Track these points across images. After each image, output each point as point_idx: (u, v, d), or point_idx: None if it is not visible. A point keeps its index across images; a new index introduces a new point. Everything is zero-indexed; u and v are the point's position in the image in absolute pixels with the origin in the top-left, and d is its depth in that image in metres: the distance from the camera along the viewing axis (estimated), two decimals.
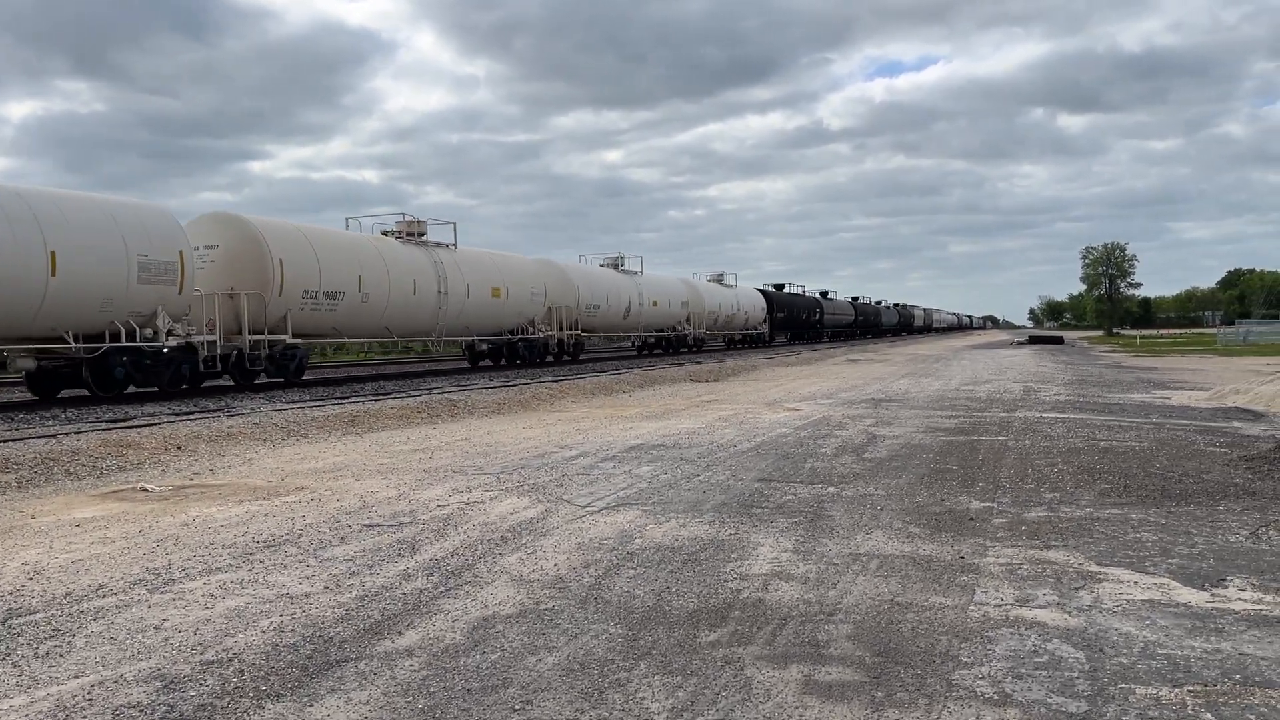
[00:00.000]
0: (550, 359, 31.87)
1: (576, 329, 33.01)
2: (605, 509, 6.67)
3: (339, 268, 21.72)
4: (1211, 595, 4.46)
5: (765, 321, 55.34)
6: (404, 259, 24.15)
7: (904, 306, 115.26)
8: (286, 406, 14.66)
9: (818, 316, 66.96)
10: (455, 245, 27.04)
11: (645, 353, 42.78)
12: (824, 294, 73.94)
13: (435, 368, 29.87)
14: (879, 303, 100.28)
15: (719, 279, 51.86)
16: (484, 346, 29.19)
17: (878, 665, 3.62)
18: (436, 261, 25.27)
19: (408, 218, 26.05)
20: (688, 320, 43.99)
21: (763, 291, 58.06)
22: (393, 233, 25.76)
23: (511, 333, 29.33)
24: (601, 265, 39.11)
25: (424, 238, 26.03)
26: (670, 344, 43.96)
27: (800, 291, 73.54)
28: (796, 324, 63.35)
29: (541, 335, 30.48)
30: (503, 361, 29.87)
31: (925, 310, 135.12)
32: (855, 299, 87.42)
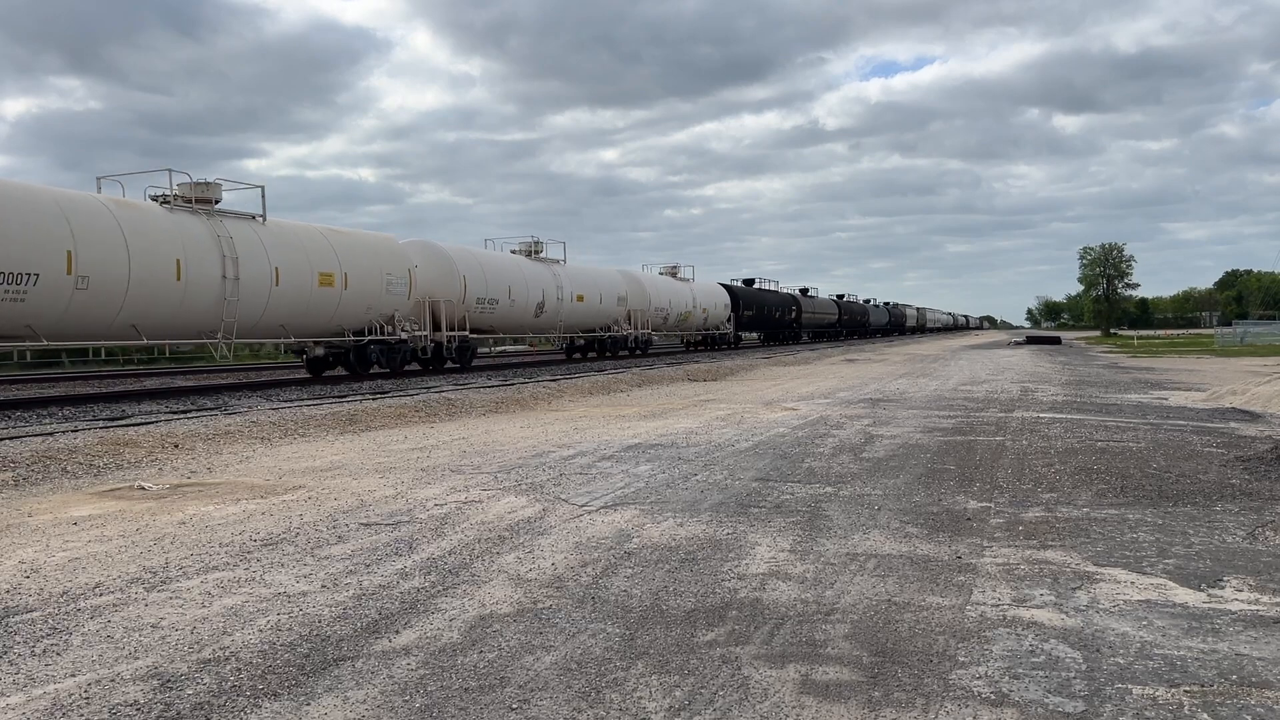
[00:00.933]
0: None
1: (463, 328, 25.98)
2: (603, 508, 6.67)
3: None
4: (1208, 596, 4.47)
5: (730, 320, 49.13)
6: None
7: (895, 305, 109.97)
8: (284, 405, 14.65)
9: (794, 315, 61.16)
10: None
11: (577, 357, 36.30)
12: (804, 291, 67.63)
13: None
14: (868, 301, 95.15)
15: (673, 271, 45.33)
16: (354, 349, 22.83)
17: (875, 665, 3.62)
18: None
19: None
20: (627, 319, 37.17)
21: (727, 287, 51.33)
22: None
23: (361, 334, 22.48)
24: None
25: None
26: (605, 346, 37.21)
27: (772, 287, 66.81)
28: (769, 323, 57.95)
29: (405, 335, 23.51)
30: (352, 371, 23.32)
31: (918, 310, 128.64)
32: (840, 296, 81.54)
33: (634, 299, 37.64)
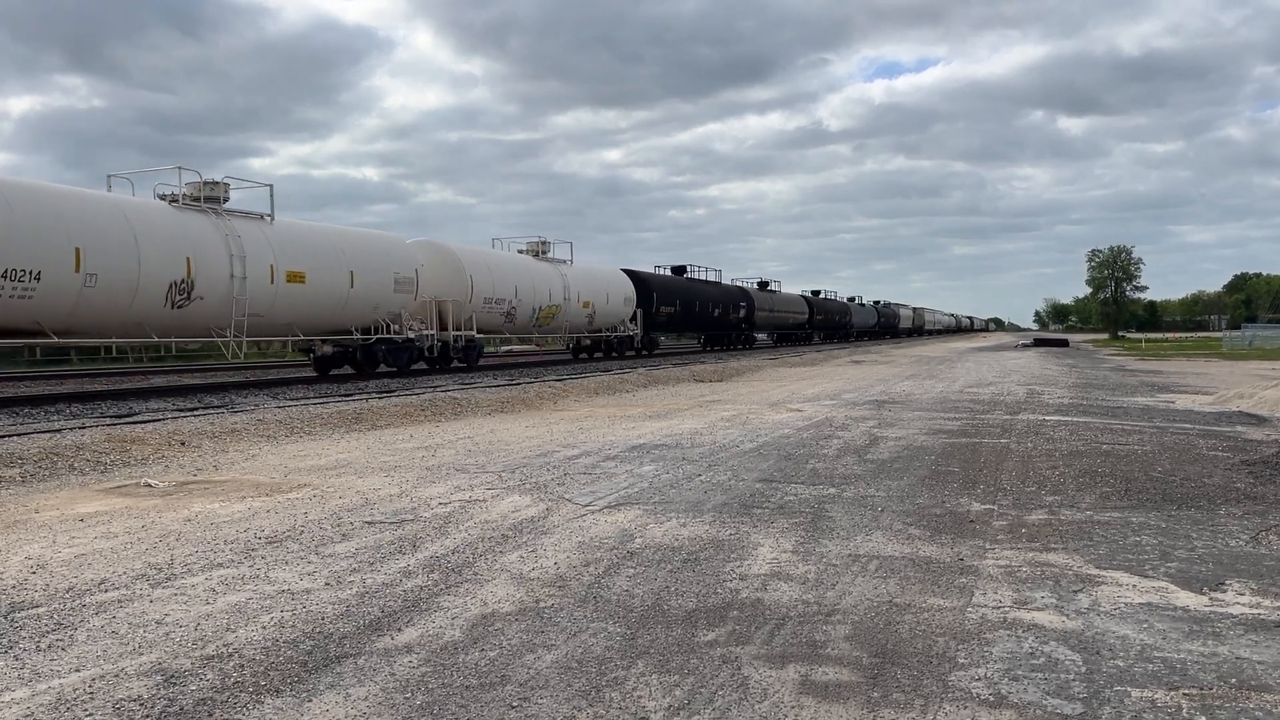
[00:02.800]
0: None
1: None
2: (606, 508, 6.68)
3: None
4: (1210, 599, 4.47)
5: (635, 319, 37.29)
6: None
7: (886, 305, 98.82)
8: (290, 403, 14.70)
9: (742, 314, 49.95)
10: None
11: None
12: (762, 284, 58.07)
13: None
14: (852, 299, 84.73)
15: (540, 249, 31.82)
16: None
17: (875, 666, 3.63)
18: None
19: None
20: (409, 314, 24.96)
21: (633, 274, 38.91)
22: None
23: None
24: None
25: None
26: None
27: (710, 278, 51.47)
28: (703, 323, 46.63)
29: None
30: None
31: (915, 310, 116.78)
32: (816, 293, 71.39)
33: (432, 283, 24.89)
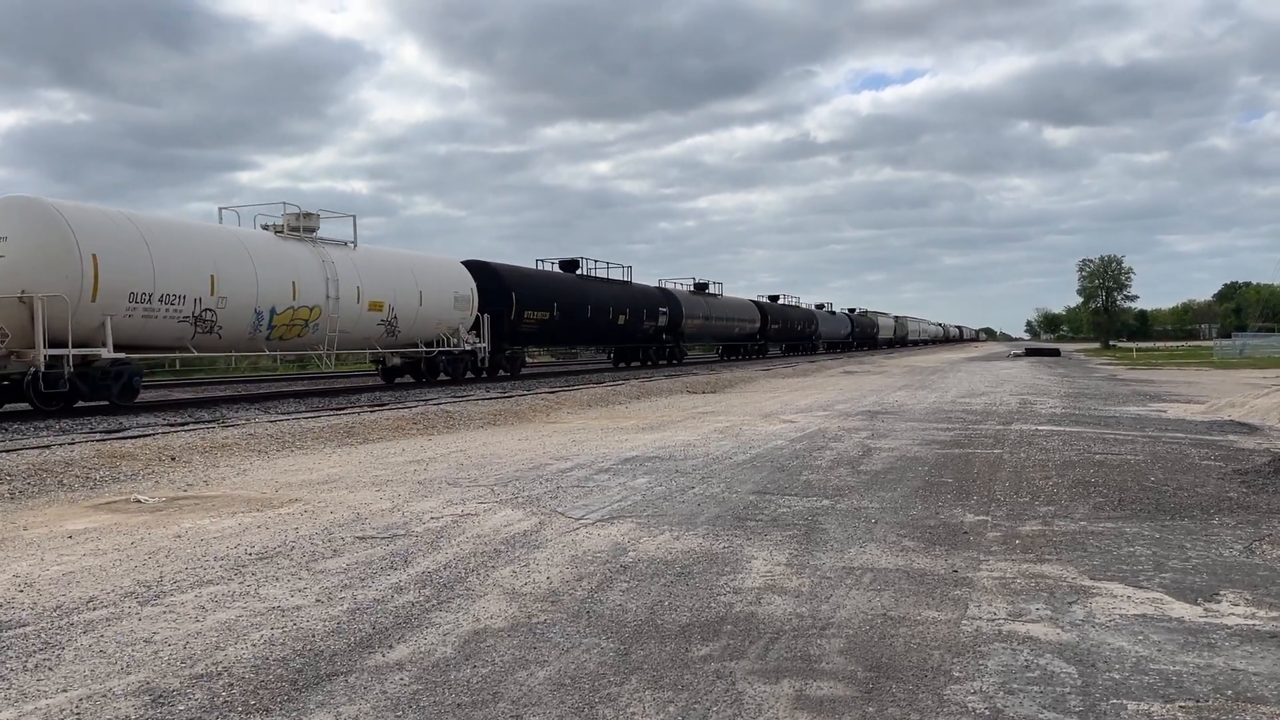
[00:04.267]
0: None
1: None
2: (599, 521, 6.65)
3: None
4: (1205, 610, 4.46)
5: (475, 328, 27.09)
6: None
7: (864, 314, 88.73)
8: (282, 417, 14.64)
9: (661, 322, 39.28)
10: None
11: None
12: (699, 286, 47.82)
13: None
14: (821, 306, 73.69)
15: (302, 225, 21.53)
16: None
17: (870, 680, 3.61)
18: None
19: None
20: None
21: (480, 266, 28.53)
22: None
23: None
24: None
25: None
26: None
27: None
28: (598, 333, 35.22)
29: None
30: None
31: (897, 319, 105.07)
32: (774, 298, 62.15)
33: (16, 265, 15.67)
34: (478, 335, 27.16)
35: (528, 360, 35.67)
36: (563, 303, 31.85)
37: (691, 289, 46.69)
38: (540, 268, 34.40)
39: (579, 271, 36.07)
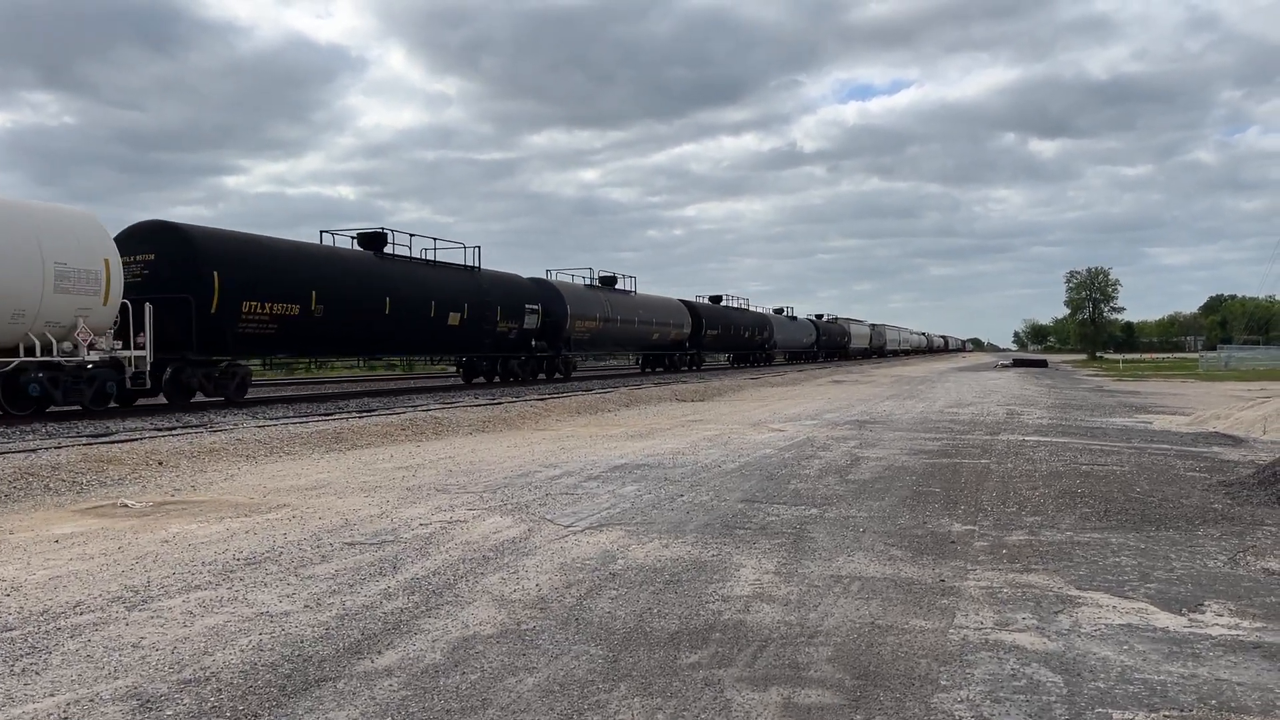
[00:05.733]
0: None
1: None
2: (588, 529, 6.66)
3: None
4: (1189, 620, 4.49)
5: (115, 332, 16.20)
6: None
7: (833, 320, 79.16)
8: (270, 423, 14.59)
9: (532, 323, 29.17)
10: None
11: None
12: (606, 281, 37.06)
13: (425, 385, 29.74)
14: (780, 310, 64.29)
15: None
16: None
17: (857, 688, 3.62)
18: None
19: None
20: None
21: (164, 228, 18.27)
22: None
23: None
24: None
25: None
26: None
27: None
28: (413, 337, 24.62)
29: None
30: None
31: (873, 327, 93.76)
32: (715, 299, 51.30)
33: None
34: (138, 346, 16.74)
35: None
36: (330, 291, 20.33)
37: (589, 283, 35.93)
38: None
39: (388, 250, 23.56)
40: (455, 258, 27.09)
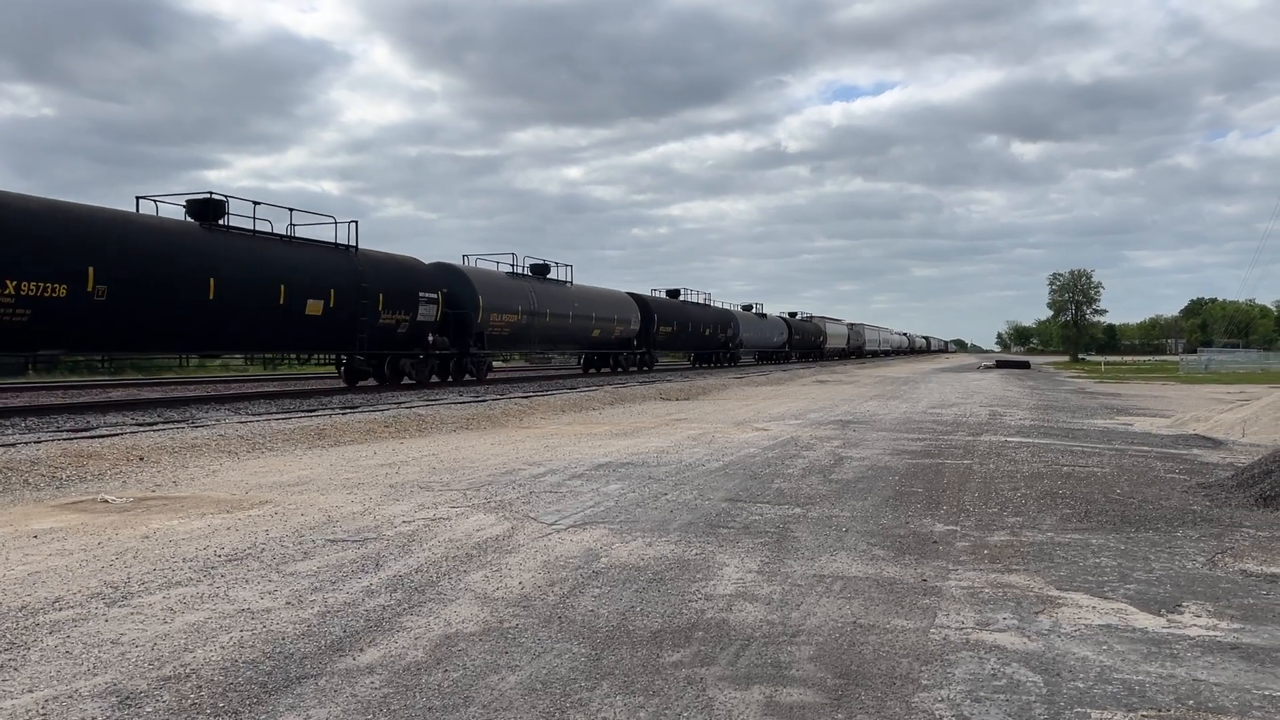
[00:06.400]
0: None
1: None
2: (572, 527, 6.66)
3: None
4: (1168, 621, 4.53)
5: None
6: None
7: (808, 318, 74.31)
8: (253, 419, 14.52)
9: (427, 314, 23.90)
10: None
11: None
12: (538, 269, 32.51)
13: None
14: (749, 307, 58.96)
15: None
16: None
17: (839, 687, 3.64)
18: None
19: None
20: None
21: None
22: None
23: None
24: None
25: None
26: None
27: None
28: (251, 329, 19.01)
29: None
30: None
31: (851, 326, 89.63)
32: (673, 293, 46.54)
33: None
34: None
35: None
36: (120, 268, 15.91)
37: (515, 271, 30.98)
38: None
39: (223, 222, 18.93)
40: (329, 234, 21.79)
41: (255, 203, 19.78)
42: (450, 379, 26.02)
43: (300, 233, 21.10)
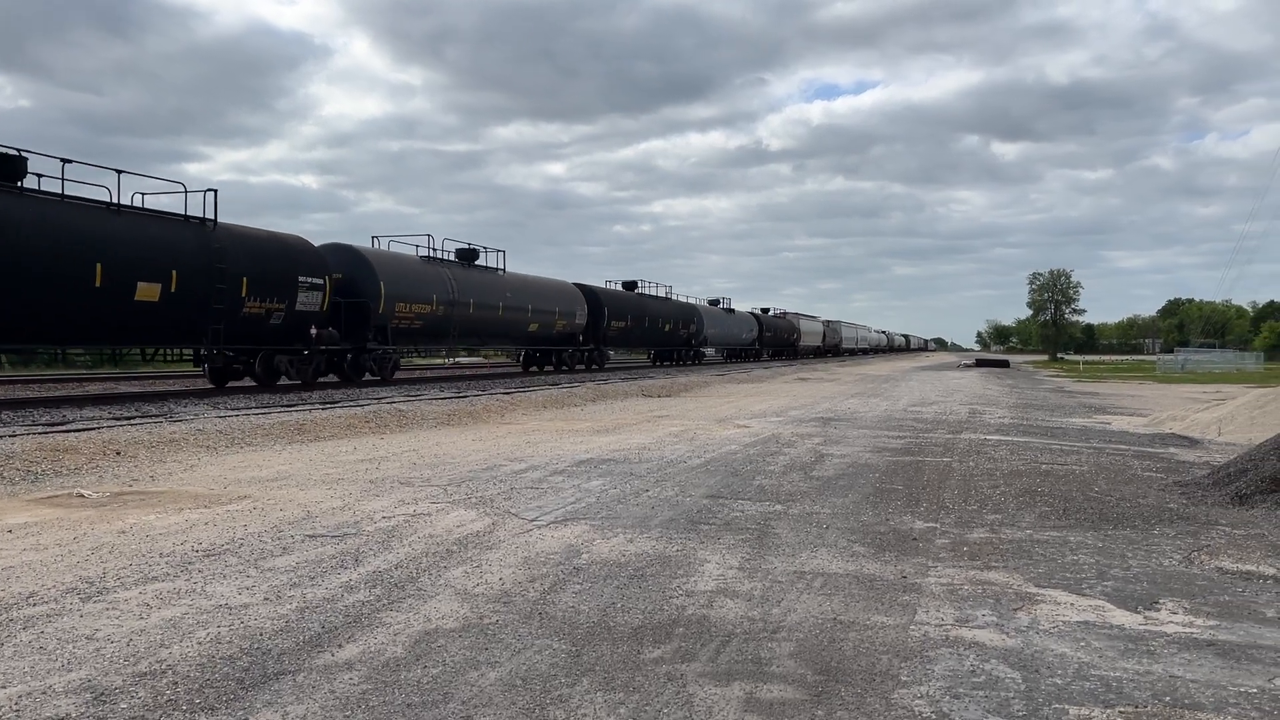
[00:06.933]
0: None
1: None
2: (553, 523, 6.65)
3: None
4: (1144, 618, 4.56)
5: None
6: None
7: (779, 315, 70.04)
8: (231, 413, 14.42)
9: (312, 301, 20.17)
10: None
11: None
12: (465, 255, 28.64)
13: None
14: (715, 301, 55.84)
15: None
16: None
17: (819, 684, 3.64)
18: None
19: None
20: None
21: None
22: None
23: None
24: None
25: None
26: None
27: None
28: (54, 317, 15.26)
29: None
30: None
31: (827, 324, 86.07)
32: (629, 284, 42.84)
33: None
34: None
35: None
36: None
37: (433, 255, 26.78)
38: None
39: (22, 183, 15.22)
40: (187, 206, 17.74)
41: (64, 160, 15.88)
42: (347, 379, 22.40)
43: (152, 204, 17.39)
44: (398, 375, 25.12)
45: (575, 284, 36.00)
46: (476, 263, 28.93)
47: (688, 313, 47.44)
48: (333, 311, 21.27)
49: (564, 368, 34.62)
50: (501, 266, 30.43)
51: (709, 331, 50.19)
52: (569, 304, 33.79)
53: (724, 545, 6.02)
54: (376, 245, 25.54)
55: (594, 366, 36.53)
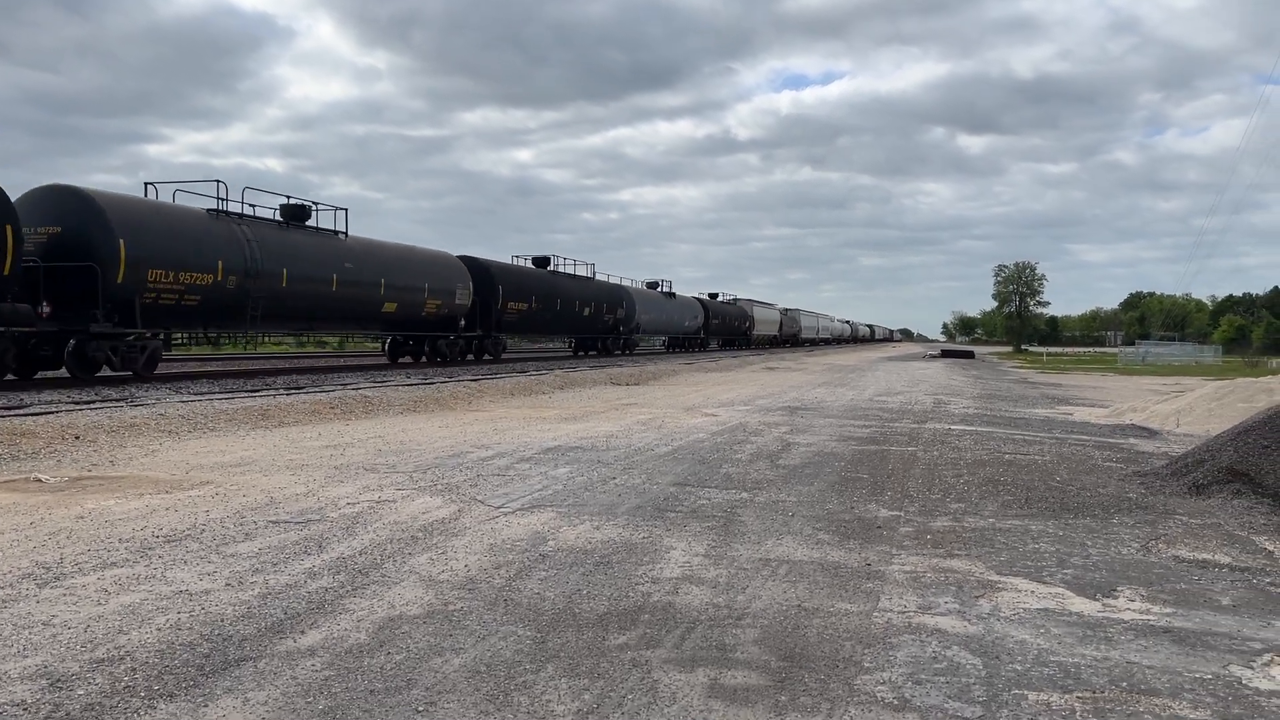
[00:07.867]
0: None
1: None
2: (519, 510, 6.63)
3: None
4: (1103, 605, 4.63)
5: None
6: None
7: (729, 301, 65.90)
8: (194, 398, 14.23)
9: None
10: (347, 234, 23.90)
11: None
12: (292, 213, 22.26)
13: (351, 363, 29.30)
14: (654, 284, 50.79)
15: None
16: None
17: (783, 670, 3.66)
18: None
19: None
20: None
21: None
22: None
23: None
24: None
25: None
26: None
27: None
28: None
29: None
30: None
31: (785, 311, 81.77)
32: (540, 260, 37.35)
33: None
34: None
35: None
36: None
37: (222, 210, 20.18)
38: None
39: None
40: None
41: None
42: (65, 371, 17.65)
43: None
44: (159, 371, 19.27)
45: (461, 256, 30.11)
46: (307, 223, 22.84)
47: (614, 295, 41.19)
48: (47, 281, 16.45)
49: (438, 359, 28.73)
50: (343, 229, 23.84)
51: (642, 318, 44.59)
52: (445, 280, 27.69)
53: (690, 533, 6.03)
54: (150, 195, 19.52)
55: (485, 357, 31.23)
